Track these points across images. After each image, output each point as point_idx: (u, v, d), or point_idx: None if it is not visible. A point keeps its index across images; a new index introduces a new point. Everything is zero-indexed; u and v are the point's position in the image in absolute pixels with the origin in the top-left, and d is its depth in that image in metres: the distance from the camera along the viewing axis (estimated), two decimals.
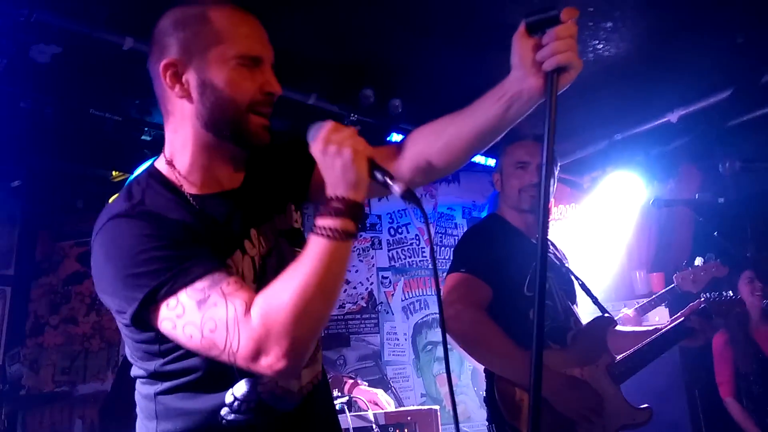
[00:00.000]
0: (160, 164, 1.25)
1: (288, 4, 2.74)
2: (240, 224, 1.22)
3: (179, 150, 1.23)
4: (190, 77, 1.17)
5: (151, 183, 1.20)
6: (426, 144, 1.29)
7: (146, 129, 3.55)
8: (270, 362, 1.02)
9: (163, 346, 1.15)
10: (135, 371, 1.25)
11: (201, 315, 1.03)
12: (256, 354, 1.02)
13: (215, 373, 1.13)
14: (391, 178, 1.09)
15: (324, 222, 1.06)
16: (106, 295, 1.14)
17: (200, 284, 1.05)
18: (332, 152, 1.08)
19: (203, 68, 1.16)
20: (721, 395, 3.74)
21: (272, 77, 1.20)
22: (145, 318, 1.08)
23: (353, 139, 1.09)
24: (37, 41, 2.70)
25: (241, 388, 1.17)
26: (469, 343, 2.05)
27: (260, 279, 1.20)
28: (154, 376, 1.19)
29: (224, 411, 1.17)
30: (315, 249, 1.05)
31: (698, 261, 2.85)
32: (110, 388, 3.88)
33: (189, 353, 1.12)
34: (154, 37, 1.21)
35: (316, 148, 1.11)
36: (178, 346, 1.12)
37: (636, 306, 3.23)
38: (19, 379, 3.83)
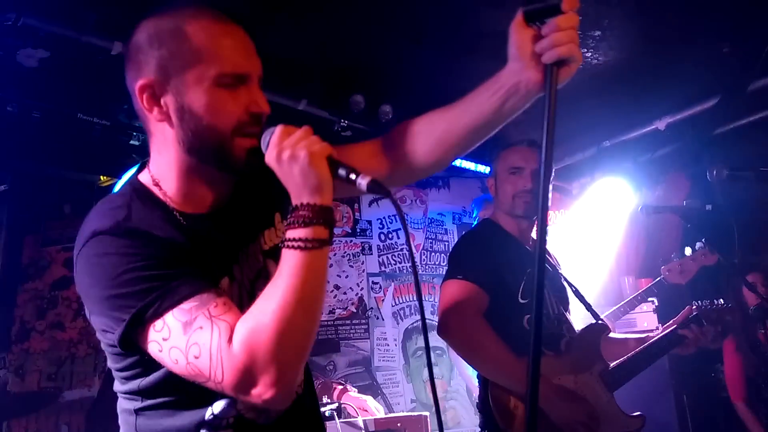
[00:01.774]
0: (145, 178, 1.17)
1: (278, 10, 2.74)
2: (228, 248, 1.15)
3: (165, 172, 1.15)
4: (169, 100, 1.08)
5: (136, 197, 1.12)
6: (415, 139, 1.22)
7: (134, 134, 3.53)
8: (260, 392, 0.96)
9: (146, 371, 1.11)
10: (117, 386, 1.22)
11: (186, 339, 0.98)
12: (244, 384, 0.97)
13: (196, 392, 1.06)
14: (356, 173, 1.01)
15: (294, 233, 1.00)
16: (93, 316, 1.09)
17: (187, 305, 0.99)
18: (287, 158, 1.00)
19: (181, 91, 1.06)
20: (732, 399, 3.78)
21: (259, 95, 1.09)
22: (133, 339, 1.02)
23: (307, 140, 1.01)
24: (25, 45, 2.68)
25: (219, 405, 1.13)
26: (468, 352, 2.05)
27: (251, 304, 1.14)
28: (135, 393, 1.16)
29: (204, 429, 1.13)
30: (290, 263, 0.99)
31: (687, 251, 2.85)
32: (97, 394, 3.85)
33: (172, 375, 1.05)
34: (129, 53, 1.11)
35: (269, 157, 1.03)
36: (161, 368, 1.07)
37: (612, 310, 3.19)
38: (5, 385, 3.79)
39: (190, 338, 0.98)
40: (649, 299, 4.33)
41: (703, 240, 2.81)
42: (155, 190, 1.15)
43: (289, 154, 1.00)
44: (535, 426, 0.81)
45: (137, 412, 1.15)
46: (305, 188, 1.01)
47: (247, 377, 0.96)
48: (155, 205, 1.12)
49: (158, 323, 0.99)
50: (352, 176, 1.01)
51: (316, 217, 1.00)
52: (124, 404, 1.20)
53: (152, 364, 1.07)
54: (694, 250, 2.82)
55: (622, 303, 3.24)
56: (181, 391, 1.09)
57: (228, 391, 0.99)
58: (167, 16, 1.08)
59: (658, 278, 2.92)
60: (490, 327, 2.01)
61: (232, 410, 1.13)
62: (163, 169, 1.15)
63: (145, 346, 1.02)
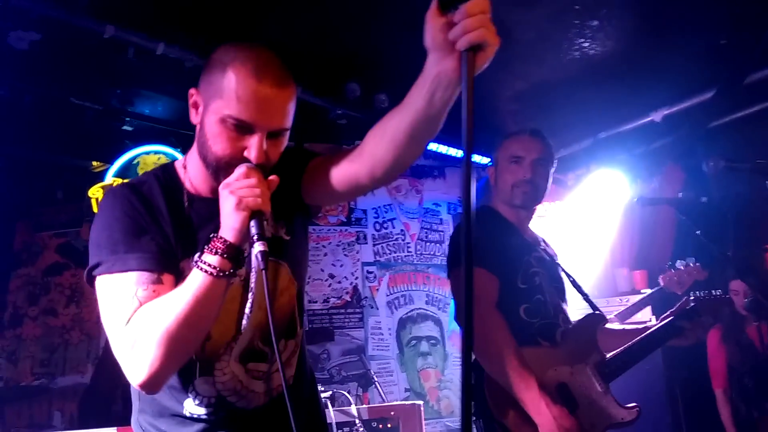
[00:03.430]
0: (178, 162, 1.41)
1: None
2: (207, 234, 1.29)
3: (192, 160, 1.37)
4: (200, 112, 1.30)
5: (161, 173, 1.38)
6: (375, 142, 1.26)
7: (127, 119, 3.51)
8: (130, 372, 1.16)
9: None
10: None
11: (110, 301, 1.20)
12: (122, 359, 1.17)
13: (182, 369, 1.28)
14: (259, 237, 1.14)
15: (206, 257, 1.16)
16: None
17: (128, 276, 1.20)
18: (225, 195, 1.18)
19: (206, 111, 1.27)
20: (713, 387, 3.85)
21: (255, 145, 1.23)
22: (91, 284, 1.25)
23: (249, 189, 1.16)
24: (15, 27, 2.65)
25: (201, 384, 1.31)
26: (480, 345, 2.00)
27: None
28: None
29: (188, 402, 1.31)
30: (194, 282, 1.15)
31: (679, 264, 2.88)
32: (89, 381, 3.84)
33: None
34: (206, 62, 1.32)
35: (220, 187, 1.20)
36: None
37: (619, 311, 3.25)
38: None
39: (113, 302, 1.20)
40: (642, 292, 4.36)
41: (693, 258, 2.86)
42: (181, 172, 1.39)
43: (226, 193, 1.17)
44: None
45: None
46: (225, 225, 1.17)
47: (126, 355, 1.16)
48: (172, 184, 1.36)
49: (105, 278, 1.22)
50: (254, 238, 1.14)
51: (226, 251, 1.16)
52: None
53: None
54: (684, 264, 2.85)
55: (628, 307, 3.29)
56: None
57: (117, 358, 1.19)
58: (231, 51, 1.27)
59: (659, 287, 2.97)
60: (506, 323, 1.99)
61: (212, 389, 1.30)
62: (191, 158, 1.38)
63: (96, 291, 1.25)
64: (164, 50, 2.99)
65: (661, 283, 2.92)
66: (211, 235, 1.19)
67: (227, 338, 1.32)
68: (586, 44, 3.30)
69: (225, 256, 1.15)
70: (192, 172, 1.37)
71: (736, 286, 3.75)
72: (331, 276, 4.45)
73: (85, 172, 3.95)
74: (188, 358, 1.25)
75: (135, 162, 3.85)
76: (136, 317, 1.16)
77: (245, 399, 1.33)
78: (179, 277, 1.24)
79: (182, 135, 3.86)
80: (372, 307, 4.53)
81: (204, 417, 1.31)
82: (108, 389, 3.66)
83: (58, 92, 3.21)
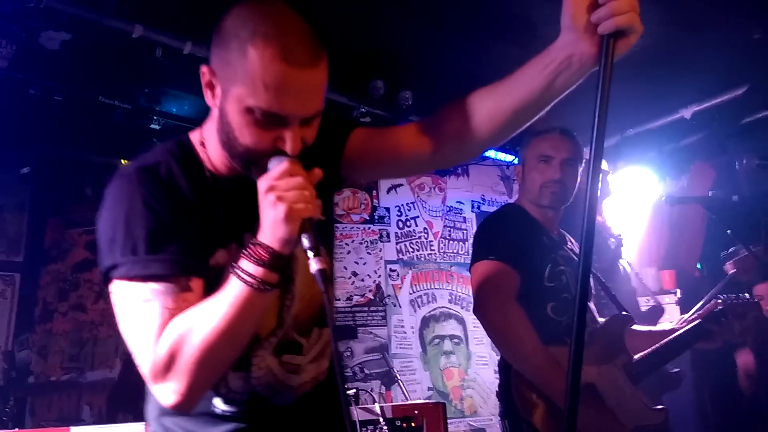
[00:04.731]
0: (195, 137, 1.23)
1: None
2: (246, 213, 1.13)
3: (210, 139, 1.20)
4: (217, 94, 1.10)
5: (176, 150, 1.19)
6: (466, 116, 1.15)
7: (155, 118, 3.55)
8: (164, 392, 1.03)
9: None
10: None
11: (134, 311, 1.05)
12: (154, 379, 1.03)
13: None
14: (314, 251, 0.98)
15: (247, 267, 1.00)
16: (97, 250, 1.15)
17: (154, 284, 1.04)
18: (269, 201, 0.99)
19: (225, 97, 1.07)
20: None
21: (289, 136, 1.04)
22: (107, 285, 1.11)
23: (297, 192, 0.99)
24: (47, 28, 2.70)
25: (234, 380, 1.17)
26: (500, 335, 1.99)
27: None
28: None
29: (217, 401, 1.17)
30: (233, 293, 1.01)
31: (741, 250, 2.84)
32: (118, 375, 3.91)
33: None
34: (215, 27, 1.11)
35: (261, 185, 1.02)
36: None
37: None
38: (28, 365, 3.86)
39: (137, 314, 1.05)
40: (671, 292, 4.29)
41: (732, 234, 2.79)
42: (199, 148, 1.20)
43: (273, 198, 0.99)
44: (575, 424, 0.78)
45: None
46: (271, 233, 1.00)
47: (158, 376, 1.02)
48: (191, 163, 1.18)
49: (124, 284, 1.06)
50: (309, 253, 0.98)
51: (270, 262, 1.00)
52: None
53: None
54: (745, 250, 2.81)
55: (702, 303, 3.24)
56: None
57: (143, 374, 1.05)
58: (249, 21, 1.05)
59: (727, 277, 2.89)
60: (526, 315, 1.97)
61: (246, 385, 1.17)
62: (210, 136, 1.19)
63: (110, 293, 1.10)
64: (191, 49, 3.02)
65: (729, 271, 2.85)
66: (252, 241, 1.02)
67: (267, 331, 1.20)
68: None
69: (270, 267, 1.00)
70: (212, 150, 1.19)
71: (761, 290, 3.65)
72: (354, 274, 4.46)
73: (114, 170, 3.98)
74: (225, 373, 1.14)
75: None
76: (168, 334, 1.02)
77: (280, 394, 1.21)
78: (211, 273, 1.12)
79: None
80: (395, 305, 4.53)
81: (236, 414, 1.18)
82: (136, 384, 3.71)
83: (88, 91, 3.26)
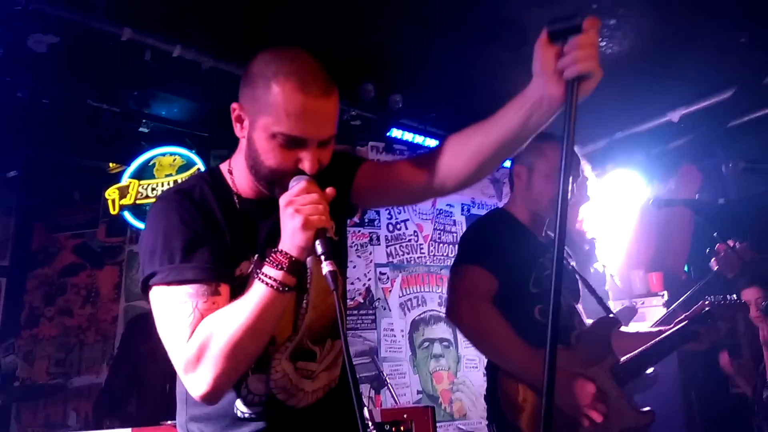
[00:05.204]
0: (224, 167, 1.42)
1: None
2: (268, 231, 1.32)
3: (238, 167, 1.38)
4: (246, 126, 1.30)
5: (208, 177, 1.39)
6: (454, 154, 1.34)
7: (144, 121, 3.53)
8: (192, 383, 1.17)
9: None
10: None
11: (169, 312, 1.20)
12: (184, 371, 1.18)
13: None
14: (327, 256, 1.14)
15: (269, 271, 1.17)
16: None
17: (187, 288, 1.20)
18: (288, 214, 1.17)
19: (253, 127, 1.26)
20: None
21: (308, 157, 1.24)
22: (146, 292, 1.26)
23: (313, 206, 1.16)
24: (35, 31, 2.67)
25: (254, 382, 1.31)
26: (478, 337, 2.02)
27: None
28: None
29: (239, 402, 1.30)
30: (257, 294, 1.16)
31: (726, 245, 2.86)
32: (105, 381, 3.87)
33: None
34: (244, 71, 1.31)
35: (281, 201, 1.20)
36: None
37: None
38: (14, 371, 3.82)
39: (172, 314, 1.20)
40: (659, 294, 4.32)
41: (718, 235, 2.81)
42: (227, 176, 1.40)
43: (292, 210, 1.16)
44: (550, 422, 0.79)
45: None
46: (290, 242, 1.17)
47: (188, 368, 1.17)
48: (221, 187, 1.37)
49: (162, 289, 1.22)
50: (322, 257, 1.14)
51: (289, 267, 1.17)
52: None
53: None
54: (732, 244, 2.83)
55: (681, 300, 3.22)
56: None
57: (176, 368, 1.20)
58: (271, 63, 1.25)
59: (712, 273, 2.91)
60: (500, 313, 1.99)
61: (264, 387, 1.31)
62: (237, 165, 1.38)
63: (150, 299, 1.25)
64: (180, 52, 3.01)
65: (714, 267, 2.87)
66: (273, 250, 1.19)
67: (284, 338, 1.34)
68: (603, 43, 3.27)
69: (288, 271, 1.16)
70: (238, 177, 1.38)
71: (748, 295, 3.68)
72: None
73: (102, 174, 3.99)
74: (249, 367, 1.27)
75: (151, 163, 3.88)
76: (200, 331, 1.17)
77: (295, 397, 1.34)
78: (236, 282, 1.27)
79: (197, 136, 3.88)
80: (385, 309, 4.52)
81: (255, 416, 1.31)
82: (123, 390, 3.68)
83: (76, 94, 3.24)
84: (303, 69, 1.25)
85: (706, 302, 2.41)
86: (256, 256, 1.31)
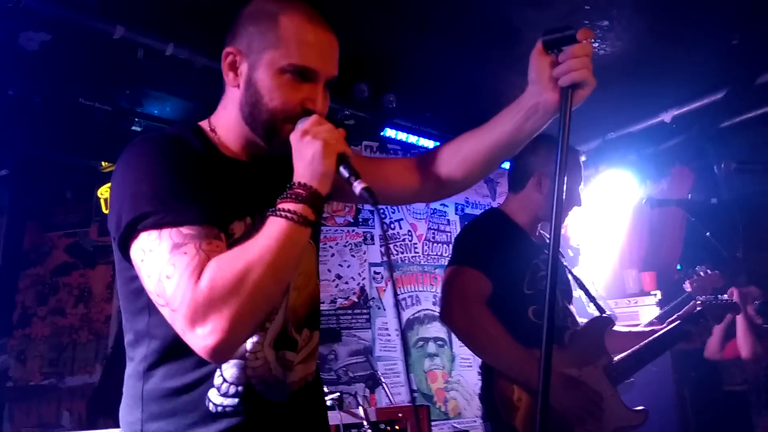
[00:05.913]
0: (203, 124, 1.29)
1: None
2: (255, 196, 1.21)
3: (223, 123, 1.27)
4: (243, 70, 1.20)
5: (189, 131, 1.24)
6: (446, 158, 1.34)
7: (136, 119, 3.52)
8: (204, 333, 0.99)
9: (152, 312, 1.13)
10: (128, 352, 1.22)
11: (168, 257, 1.02)
12: (194, 319, 0.99)
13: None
14: (355, 176, 1.09)
15: (285, 205, 1.07)
16: (110, 213, 1.15)
17: (185, 230, 1.04)
18: (306, 141, 1.10)
19: (255, 67, 1.19)
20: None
21: (319, 95, 1.20)
22: (127, 242, 1.08)
23: (330, 133, 1.11)
24: (26, 28, 2.66)
25: (230, 370, 1.16)
26: (471, 338, 2.03)
27: None
28: (144, 356, 1.17)
29: (212, 393, 1.15)
30: (273, 228, 1.05)
31: (699, 269, 2.91)
32: (98, 380, 3.86)
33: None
34: (234, 20, 1.25)
35: (294, 136, 1.13)
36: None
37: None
38: (6, 371, 3.80)
39: (171, 258, 1.02)
40: (651, 293, 4.34)
41: (708, 264, 2.89)
42: (210, 134, 1.27)
43: (310, 137, 1.10)
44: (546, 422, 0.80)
45: (145, 372, 1.17)
46: (309, 170, 1.09)
47: (199, 312, 0.99)
48: (203, 143, 1.24)
49: (153, 233, 1.05)
50: (351, 178, 1.09)
51: (309, 198, 1.08)
52: (131, 370, 1.21)
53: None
54: (704, 270, 2.90)
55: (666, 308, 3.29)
56: (190, 353, 1.07)
57: (178, 322, 1.01)
58: (272, 2, 1.21)
59: (686, 294, 2.97)
60: (493, 314, 1.99)
61: (242, 376, 1.16)
62: (222, 121, 1.27)
63: (131, 251, 1.08)
64: (173, 51, 3.00)
65: (688, 289, 2.93)
66: (289, 185, 1.09)
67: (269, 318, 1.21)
68: (596, 44, 3.28)
69: (309, 203, 1.07)
70: (223, 135, 1.26)
71: (735, 296, 3.68)
72: (338, 276, 4.45)
73: (94, 173, 3.97)
74: (264, 319, 1.15)
75: None
76: (210, 270, 1.00)
77: (273, 390, 1.20)
78: (229, 241, 1.13)
79: None
80: (379, 308, 4.53)
81: (230, 410, 1.15)
82: (117, 389, 3.66)
83: (68, 93, 3.22)
84: (306, 5, 1.23)
85: (698, 302, 2.43)
86: (248, 218, 1.19)
